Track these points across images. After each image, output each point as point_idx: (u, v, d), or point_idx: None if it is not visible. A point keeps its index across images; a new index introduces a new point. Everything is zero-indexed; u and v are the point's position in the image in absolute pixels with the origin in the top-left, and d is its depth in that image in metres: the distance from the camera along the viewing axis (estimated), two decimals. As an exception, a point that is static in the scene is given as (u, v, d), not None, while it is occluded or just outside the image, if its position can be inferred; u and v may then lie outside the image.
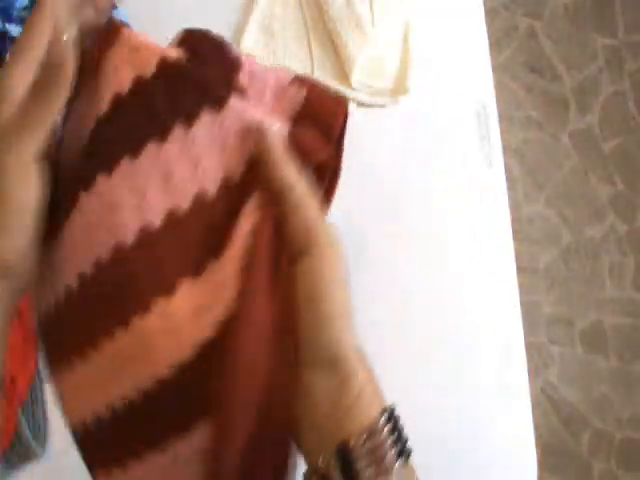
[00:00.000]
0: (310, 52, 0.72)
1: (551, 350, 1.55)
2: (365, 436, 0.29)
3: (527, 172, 1.63)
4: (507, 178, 0.71)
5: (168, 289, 0.29)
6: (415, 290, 0.66)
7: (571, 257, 1.60)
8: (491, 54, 0.75)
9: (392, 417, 0.30)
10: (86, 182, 0.30)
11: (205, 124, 0.30)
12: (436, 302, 0.66)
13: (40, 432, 0.59)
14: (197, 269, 0.29)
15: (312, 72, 0.71)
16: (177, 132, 0.30)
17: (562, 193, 1.63)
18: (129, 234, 0.29)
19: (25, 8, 0.66)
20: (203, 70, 0.31)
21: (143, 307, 0.29)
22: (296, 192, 0.30)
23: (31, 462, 0.58)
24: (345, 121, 0.33)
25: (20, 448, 0.58)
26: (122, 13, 0.71)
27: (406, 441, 0.30)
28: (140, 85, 0.30)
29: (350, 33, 0.70)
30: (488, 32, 0.75)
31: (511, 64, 1.68)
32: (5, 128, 0.28)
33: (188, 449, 0.30)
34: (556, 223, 1.61)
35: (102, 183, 0.30)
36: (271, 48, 0.72)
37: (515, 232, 0.68)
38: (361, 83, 0.71)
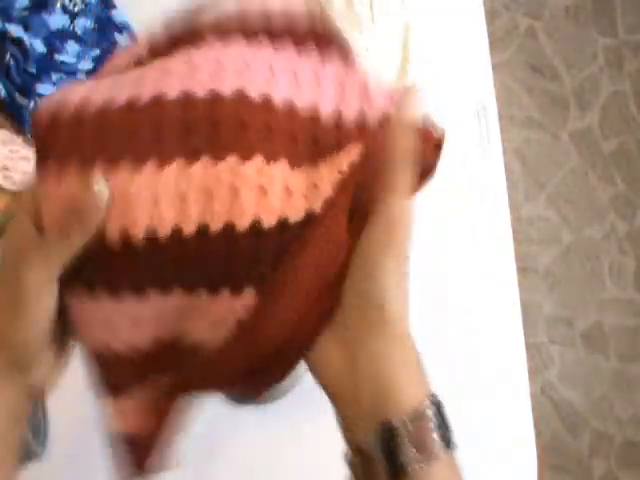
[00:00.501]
0: (310, 52, 0.72)
1: (551, 350, 1.55)
2: (410, 417, 0.29)
3: (527, 172, 1.63)
4: (507, 178, 0.71)
5: (271, 156, 0.29)
6: (415, 290, 0.66)
7: (571, 257, 1.60)
8: (491, 54, 0.75)
9: (436, 403, 0.31)
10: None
11: (339, 67, 0.34)
12: (436, 302, 0.66)
13: (40, 432, 0.59)
14: (296, 160, 0.30)
15: (312, 72, 0.72)
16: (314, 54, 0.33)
17: (562, 193, 1.63)
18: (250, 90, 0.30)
19: (25, 8, 0.66)
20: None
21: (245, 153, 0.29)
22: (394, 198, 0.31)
23: (31, 462, 0.58)
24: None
25: (20, 449, 0.57)
26: (122, 13, 0.71)
27: (450, 431, 0.30)
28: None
29: (350, 33, 0.70)
30: (488, 32, 0.75)
31: (511, 64, 1.68)
32: (30, 249, 0.30)
33: (214, 306, 0.30)
34: (556, 223, 1.61)
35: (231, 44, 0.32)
36: (271, 48, 0.72)
37: (515, 232, 0.68)
38: (361, 83, 0.71)
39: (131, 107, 0.30)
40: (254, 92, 0.30)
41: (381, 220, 0.30)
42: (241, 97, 0.30)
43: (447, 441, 0.30)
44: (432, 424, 0.29)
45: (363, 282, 0.30)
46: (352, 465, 0.32)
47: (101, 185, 0.28)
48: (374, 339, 0.30)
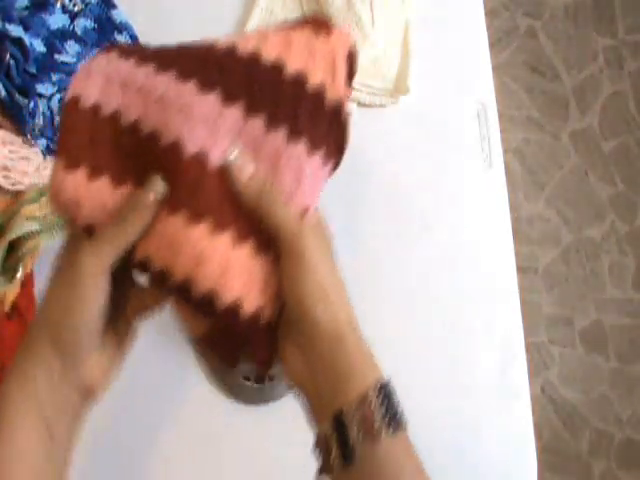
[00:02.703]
0: (310, 52, 0.72)
1: (551, 350, 1.55)
2: (356, 404, 0.33)
3: (527, 172, 1.63)
4: (507, 178, 0.71)
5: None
6: (415, 290, 0.66)
7: (571, 257, 1.60)
8: (491, 54, 0.74)
9: (385, 389, 0.33)
10: (181, 73, 0.35)
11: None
12: (436, 302, 0.66)
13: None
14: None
15: (312, 72, 0.71)
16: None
17: (562, 193, 1.63)
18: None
19: (25, 8, 0.66)
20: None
21: None
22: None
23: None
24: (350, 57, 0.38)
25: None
26: (122, 13, 0.71)
27: (397, 412, 0.33)
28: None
29: (350, 33, 0.70)
30: (488, 32, 0.75)
31: (511, 64, 1.68)
32: (84, 242, 0.35)
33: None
34: (556, 223, 1.61)
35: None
36: (271, 48, 0.72)
37: (515, 232, 0.68)
38: (361, 83, 0.71)
39: (152, 141, 0.35)
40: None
41: (282, 248, 0.34)
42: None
43: (394, 422, 0.33)
44: (376, 408, 0.32)
45: (288, 299, 0.35)
46: (319, 456, 0.36)
47: (158, 187, 0.34)
48: (316, 341, 0.34)
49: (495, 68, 0.74)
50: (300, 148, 0.35)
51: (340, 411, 0.33)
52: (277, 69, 0.35)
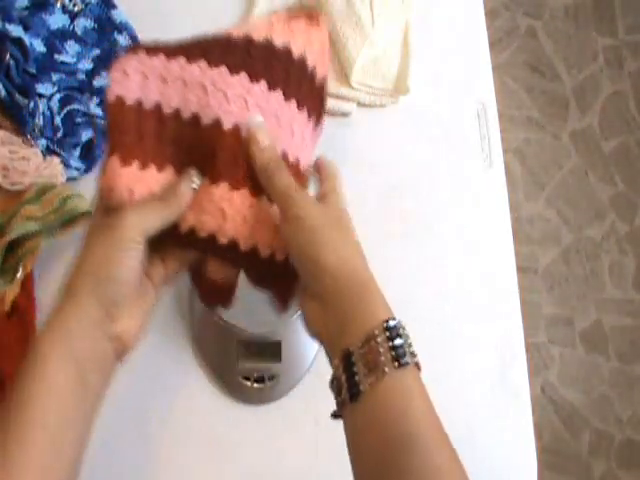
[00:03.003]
0: (310, 52, 0.72)
1: (551, 350, 1.55)
2: (362, 342, 0.35)
3: (527, 172, 1.63)
4: (507, 178, 0.71)
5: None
6: (415, 290, 0.66)
7: (571, 257, 1.60)
8: (491, 54, 0.75)
9: (392, 328, 0.35)
10: (212, 60, 0.41)
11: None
12: (436, 302, 0.66)
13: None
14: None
15: (312, 72, 0.71)
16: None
17: (562, 193, 1.63)
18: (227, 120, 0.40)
19: (25, 8, 0.66)
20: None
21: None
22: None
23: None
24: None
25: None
26: (122, 13, 0.71)
27: (404, 349, 0.35)
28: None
29: (350, 33, 0.70)
30: (488, 32, 0.75)
31: (511, 64, 1.68)
32: (132, 208, 0.39)
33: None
34: (556, 223, 1.61)
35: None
36: (271, 48, 0.72)
37: (515, 232, 0.68)
38: (361, 83, 0.71)
39: (194, 123, 0.41)
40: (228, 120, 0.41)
41: (280, 212, 0.39)
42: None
43: (400, 359, 0.34)
44: (380, 345, 0.34)
45: (294, 254, 0.39)
46: (335, 398, 0.37)
47: (195, 180, 0.40)
48: (327, 287, 0.37)
49: (495, 68, 0.74)
50: (303, 114, 0.43)
51: (347, 350, 0.35)
52: (287, 52, 0.42)
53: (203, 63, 0.40)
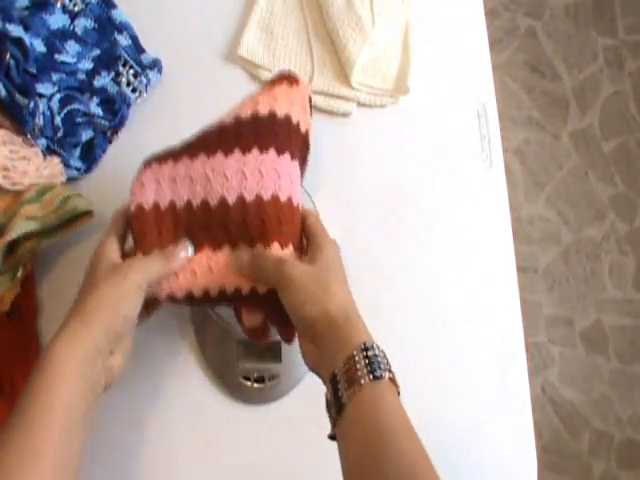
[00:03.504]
0: (310, 52, 0.72)
1: (551, 350, 1.55)
2: (344, 364, 0.41)
3: (527, 172, 1.63)
4: (507, 178, 0.71)
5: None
6: (415, 290, 0.66)
7: (571, 257, 1.60)
8: (491, 54, 0.74)
9: (365, 348, 0.41)
10: (209, 151, 0.50)
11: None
12: (436, 302, 0.66)
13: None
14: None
15: (312, 72, 0.71)
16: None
17: (562, 193, 1.63)
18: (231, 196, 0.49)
19: (25, 8, 0.66)
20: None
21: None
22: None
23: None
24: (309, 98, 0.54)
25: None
26: (122, 13, 0.71)
27: (378, 366, 0.41)
28: (257, 119, 0.51)
29: (350, 33, 0.70)
30: (488, 32, 0.75)
31: (511, 64, 1.68)
32: (130, 263, 0.47)
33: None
34: (556, 223, 1.61)
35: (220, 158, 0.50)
36: (271, 48, 0.72)
37: (515, 232, 0.68)
38: (361, 83, 0.71)
39: (204, 208, 0.49)
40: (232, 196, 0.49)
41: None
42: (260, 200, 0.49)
43: (373, 371, 0.40)
44: (358, 362, 0.41)
45: (291, 313, 0.47)
46: (328, 412, 0.43)
47: (189, 248, 0.49)
48: (317, 331, 0.45)
49: (495, 68, 0.73)
50: (295, 161, 0.51)
51: (333, 372, 0.42)
52: (272, 116, 0.50)
53: (203, 156, 0.49)
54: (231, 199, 0.48)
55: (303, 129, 0.52)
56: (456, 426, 0.63)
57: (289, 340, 0.50)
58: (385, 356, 0.42)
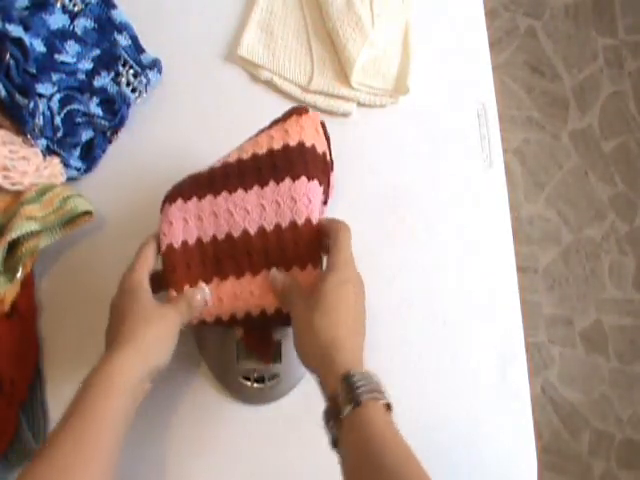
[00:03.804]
0: (310, 52, 0.72)
1: (551, 350, 1.55)
2: (332, 396, 0.45)
3: (527, 172, 1.63)
4: (507, 178, 0.71)
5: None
6: (415, 290, 0.66)
7: (571, 257, 1.60)
8: (491, 54, 0.75)
9: (345, 378, 0.44)
10: (230, 188, 0.54)
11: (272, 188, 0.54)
12: (436, 302, 0.66)
13: (40, 432, 0.59)
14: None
15: (312, 71, 0.71)
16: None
17: (562, 193, 1.63)
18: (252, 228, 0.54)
19: (25, 8, 0.66)
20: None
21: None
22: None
23: (29, 460, 0.58)
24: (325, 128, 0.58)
25: (20, 448, 0.57)
26: (122, 13, 0.71)
27: (356, 392, 0.43)
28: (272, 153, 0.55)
29: (350, 33, 0.70)
30: (488, 32, 0.75)
31: (511, 64, 1.68)
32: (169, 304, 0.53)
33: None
34: (556, 223, 1.61)
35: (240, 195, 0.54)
36: (271, 48, 0.72)
37: (515, 232, 0.68)
38: (361, 83, 0.71)
39: (229, 240, 0.54)
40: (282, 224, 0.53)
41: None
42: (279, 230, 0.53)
43: (353, 401, 0.43)
44: (340, 394, 0.44)
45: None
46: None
47: (206, 291, 0.54)
48: (317, 359, 0.48)
49: (495, 68, 0.74)
50: (314, 183, 0.53)
51: (328, 403, 0.46)
52: (285, 147, 0.54)
53: (225, 193, 0.54)
54: (252, 230, 0.53)
55: (319, 150, 0.55)
56: (456, 426, 0.63)
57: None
58: (369, 379, 0.44)
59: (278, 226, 0.52)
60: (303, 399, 0.62)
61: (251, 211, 0.53)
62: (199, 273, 0.54)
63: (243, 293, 0.53)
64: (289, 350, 0.61)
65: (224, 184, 0.54)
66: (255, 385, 0.61)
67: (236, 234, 0.53)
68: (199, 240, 0.54)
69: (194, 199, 0.55)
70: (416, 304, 0.66)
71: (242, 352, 0.61)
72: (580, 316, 1.57)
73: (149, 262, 0.53)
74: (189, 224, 0.54)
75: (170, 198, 0.55)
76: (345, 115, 0.71)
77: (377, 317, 0.65)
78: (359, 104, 0.71)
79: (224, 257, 0.54)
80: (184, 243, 0.54)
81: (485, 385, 0.64)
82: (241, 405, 0.62)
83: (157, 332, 0.50)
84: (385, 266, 0.67)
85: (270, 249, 0.53)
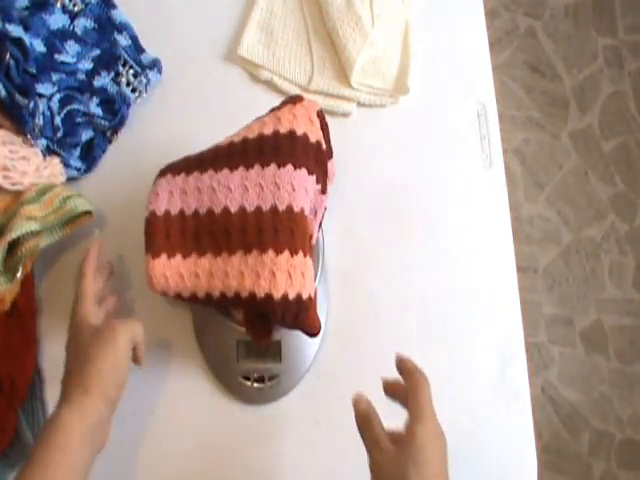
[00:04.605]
0: (310, 52, 0.72)
1: (551, 350, 1.55)
2: None
3: (527, 172, 1.63)
4: (507, 178, 0.71)
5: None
6: (415, 290, 0.66)
7: (571, 257, 1.60)
8: (491, 54, 0.75)
9: None
10: (217, 167, 0.55)
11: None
12: (436, 302, 0.66)
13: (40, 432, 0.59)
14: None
15: (312, 71, 0.71)
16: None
17: (562, 193, 1.63)
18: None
19: (25, 8, 0.66)
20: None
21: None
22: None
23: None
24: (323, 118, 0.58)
25: (20, 448, 0.58)
26: (122, 13, 0.71)
27: None
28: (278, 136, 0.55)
29: (350, 33, 0.70)
30: (488, 32, 0.75)
31: (511, 64, 1.68)
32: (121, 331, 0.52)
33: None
34: (556, 223, 1.61)
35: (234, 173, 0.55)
36: (271, 48, 0.72)
37: (515, 232, 0.68)
38: (361, 83, 0.71)
39: (209, 216, 0.55)
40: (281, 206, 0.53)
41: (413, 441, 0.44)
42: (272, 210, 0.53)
43: None
44: None
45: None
46: None
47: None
48: None
49: (495, 68, 0.74)
50: (301, 172, 0.53)
51: None
52: (276, 134, 0.54)
53: (211, 171, 0.55)
54: (233, 208, 0.53)
55: (313, 139, 0.55)
56: (456, 426, 0.63)
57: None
58: None
59: (259, 208, 0.53)
60: (303, 399, 0.62)
61: (234, 190, 0.54)
62: (178, 245, 0.55)
63: (218, 272, 0.53)
64: (289, 350, 0.61)
65: (212, 163, 0.56)
66: (255, 385, 0.61)
67: (217, 210, 0.54)
68: (181, 212, 0.56)
69: (182, 175, 0.56)
70: (416, 304, 0.66)
71: (242, 352, 0.61)
72: (580, 316, 1.57)
73: (89, 283, 0.56)
74: (174, 196, 0.56)
75: (161, 173, 0.58)
76: (345, 115, 0.71)
77: (377, 317, 0.66)
78: (359, 104, 0.71)
79: (203, 233, 0.55)
80: (167, 212, 0.56)
81: (485, 385, 0.64)
82: (241, 405, 0.62)
83: (103, 366, 0.50)
84: (385, 266, 0.67)
85: (249, 229, 0.53)
